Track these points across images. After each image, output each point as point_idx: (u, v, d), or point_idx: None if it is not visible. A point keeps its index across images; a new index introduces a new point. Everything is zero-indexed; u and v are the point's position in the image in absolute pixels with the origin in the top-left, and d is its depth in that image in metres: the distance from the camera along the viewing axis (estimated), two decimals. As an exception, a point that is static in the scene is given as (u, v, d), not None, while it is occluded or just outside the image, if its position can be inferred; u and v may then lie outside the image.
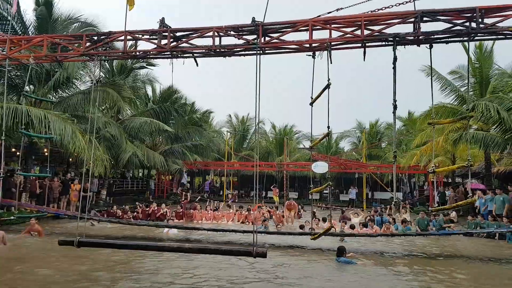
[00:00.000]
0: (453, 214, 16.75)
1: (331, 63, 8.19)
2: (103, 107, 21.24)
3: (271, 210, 17.80)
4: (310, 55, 8.76)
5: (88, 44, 10.10)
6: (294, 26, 8.66)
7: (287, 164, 31.73)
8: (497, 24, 7.93)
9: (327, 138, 9.13)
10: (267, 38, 8.93)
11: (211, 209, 17.92)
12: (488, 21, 8.02)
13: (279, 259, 9.31)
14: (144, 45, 18.28)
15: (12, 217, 11.26)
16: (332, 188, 35.91)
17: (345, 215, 17.31)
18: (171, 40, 9.51)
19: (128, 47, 10.47)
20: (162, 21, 9.49)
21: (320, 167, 19.70)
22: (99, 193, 21.67)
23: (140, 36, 9.86)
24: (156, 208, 17.13)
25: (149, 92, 28.23)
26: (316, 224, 14.13)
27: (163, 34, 9.50)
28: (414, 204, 25.95)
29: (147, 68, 24.13)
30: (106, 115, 21.28)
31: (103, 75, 21.88)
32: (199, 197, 22.25)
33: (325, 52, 8.34)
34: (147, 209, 17.11)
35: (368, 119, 47.20)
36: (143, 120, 22.08)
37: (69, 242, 6.80)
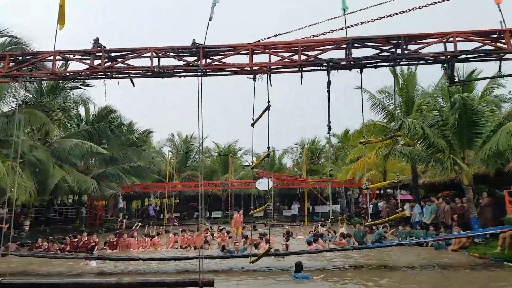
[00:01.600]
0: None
1: (271, 86, 8.44)
2: (28, 130, 19.63)
3: (217, 235, 17.21)
4: (251, 78, 8.93)
5: (12, 64, 9.36)
6: (235, 49, 8.79)
7: (232, 182, 31.64)
8: (419, 51, 8.74)
9: (268, 158, 9.31)
10: (208, 60, 8.96)
11: (147, 237, 16.76)
12: (412, 47, 8.80)
13: (233, 284, 9.10)
14: (77, 65, 17.38)
15: None
16: (278, 204, 36.61)
17: (288, 231, 17.63)
18: (106, 60, 9.16)
19: (58, 67, 9.92)
20: (96, 41, 9.13)
21: (263, 184, 19.98)
22: (22, 224, 19.67)
23: (71, 56, 9.37)
24: (86, 239, 15.59)
25: (82, 113, 26.68)
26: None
27: (97, 54, 9.12)
28: (351, 216, 27.22)
29: (81, 88, 22.82)
30: (32, 138, 19.66)
31: (30, 95, 20.32)
32: (137, 223, 21.00)
33: (265, 75, 8.57)
34: (75, 240, 15.61)
35: (310, 135, 49.08)
36: (74, 142, 20.78)
37: None
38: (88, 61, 9.24)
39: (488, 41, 8.76)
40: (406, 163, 18.28)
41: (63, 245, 15.33)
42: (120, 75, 9.60)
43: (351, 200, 35.26)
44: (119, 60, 9.27)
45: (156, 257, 12.14)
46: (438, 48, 8.92)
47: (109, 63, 9.27)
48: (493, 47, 8.72)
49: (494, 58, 8.97)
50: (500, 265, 10.33)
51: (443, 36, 8.69)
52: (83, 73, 9.54)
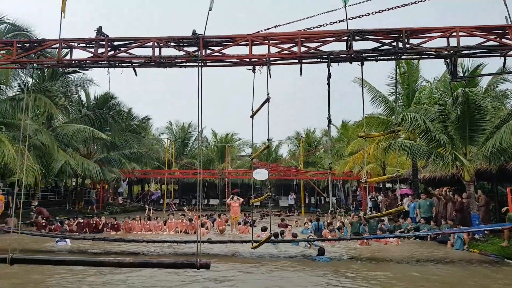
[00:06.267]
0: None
1: (270, 77, 8.45)
2: (32, 114, 19.85)
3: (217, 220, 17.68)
4: (250, 69, 8.94)
5: (19, 51, 9.42)
6: (234, 40, 8.78)
7: (229, 171, 31.91)
8: (421, 45, 8.66)
9: (267, 149, 9.42)
10: (208, 51, 8.98)
11: (149, 220, 17.24)
12: (414, 41, 8.70)
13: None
14: (80, 53, 17.39)
15: None
16: (273, 194, 36.95)
17: (283, 222, 17.83)
18: (109, 49, 9.20)
19: (62, 55, 9.96)
20: (99, 30, 9.20)
21: (260, 174, 20.11)
22: (30, 204, 20.03)
23: (76, 44, 9.41)
24: (95, 221, 16.47)
25: (83, 98, 26.77)
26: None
27: (100, 43, 9.17)
28: (349, 209, 27.36)
29: (79, 72, 22.77)
30: (36, 122, 19.86)
31: (32, 81, 20.48)
32: (148, 207, 21.53)
33: (265, 66, 8.58)
34: (82, 221, 16.34)
35: (305, 127, 48.66)
36: (77, 127, 20.94)
37: (1, 259, 6.47)
38: (92, 50, 9.31)
39: (492, 37, 8.65)
40: (406, 157, 18.25)
41: (68, 226, 15.96)
42: (123, 64, 9.65)
43: (349, 192, 35.40)
44: (122, 49, 9.33)
45: (158, 239, 12.73)
46: (440, 42, 8.85)
47: (112, 52, 9.32)
48: (497, 43, 8.61)
49: (499, 54, 8.86)
50: (500, 262, 10.28)
51: (445, 30, 8.61)
52: (87, 61, 9.59)
